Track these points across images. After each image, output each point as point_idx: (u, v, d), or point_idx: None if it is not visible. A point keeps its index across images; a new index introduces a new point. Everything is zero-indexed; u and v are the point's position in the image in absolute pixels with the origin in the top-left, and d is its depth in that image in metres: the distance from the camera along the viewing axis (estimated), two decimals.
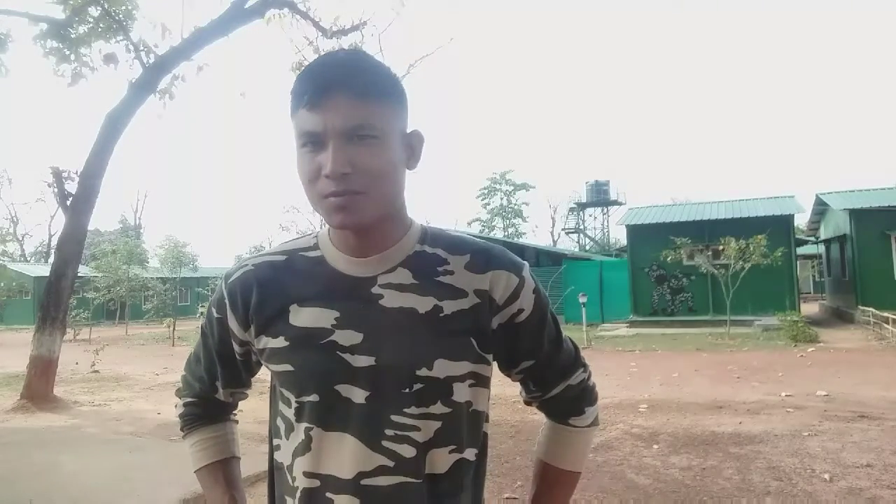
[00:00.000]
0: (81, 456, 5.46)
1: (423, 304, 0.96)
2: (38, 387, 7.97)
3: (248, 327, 1.02)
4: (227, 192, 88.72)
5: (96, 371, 11.53)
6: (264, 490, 1.16)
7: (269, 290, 1.01)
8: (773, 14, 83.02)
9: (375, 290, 0.97)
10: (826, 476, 4.44)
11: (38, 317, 8.29)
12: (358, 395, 0.94)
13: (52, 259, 11.10)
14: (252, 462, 1.08)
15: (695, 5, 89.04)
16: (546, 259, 23.45)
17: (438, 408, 0.95)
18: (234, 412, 1.22)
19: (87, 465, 5.12)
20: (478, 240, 1.06)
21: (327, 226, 1.04)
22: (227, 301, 1.03)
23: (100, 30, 9.25)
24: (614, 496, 4.21)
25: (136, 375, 11.20)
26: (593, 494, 4.22)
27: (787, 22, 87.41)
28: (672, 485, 4.41)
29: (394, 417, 0.94)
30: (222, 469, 1.15)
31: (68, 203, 8.37)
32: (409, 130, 0.98)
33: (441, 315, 0.96)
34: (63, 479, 4.73)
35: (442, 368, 0.95)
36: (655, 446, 5.42)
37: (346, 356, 0.94)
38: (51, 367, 8.14)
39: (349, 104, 0.89)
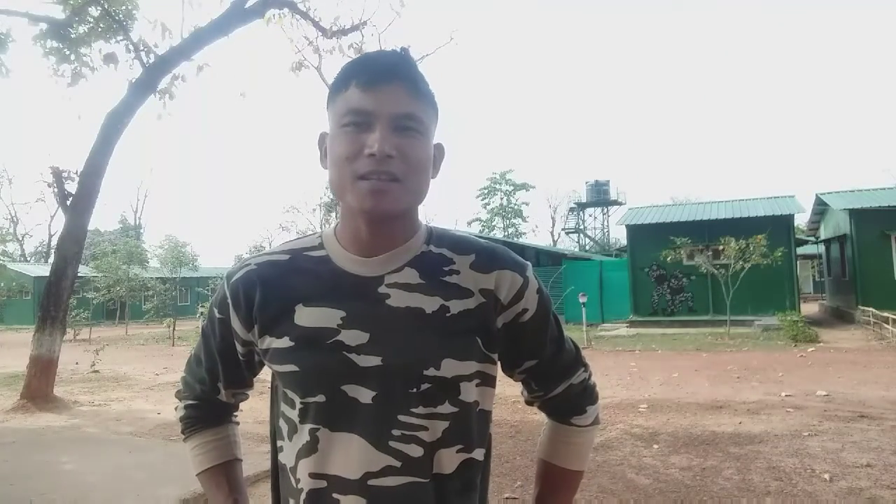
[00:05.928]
0: (81, 456, 5.46)
1: (430, 303, 0.96)
2: (38, 387, 7.97)
3: (252, 327, 1.01)
4: (227, 191, 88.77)
5: (96, 371, 11.52)
6: (264, 491, 1.16)
7: (272, 289, 1.00)
8: (773, 14, 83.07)
9: (382, 289, 0.96)
10: (826, 476, 4.44)
11: (38, 317, 8.29)
12: (365, 396, 0.93)
13: (52, 259, 11.10)
14: (251, 462, 1.08)
15: (695, 5, 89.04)
16: (546, 259, 23.43)
17: (446, 407, 0.95)
18: (236, 413, 1.21)
19: (86, 465, 5.12)
20: (482, 240, 1.06)
21: (332, 225, 1.04)
22: (229, 301, 1.02)
23: (100, 30, 9.25)
24: (614, 496, 4.20)
25: (136, 375, 11.20)
26: (593, 494, 4.21)
27: (787, 22, 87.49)
28: (672, 485, 4.40)
29: (401, 417, 0.93)
30: (225, 472, 1.14)
31: (68, 203, 8.36)
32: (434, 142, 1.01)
33: (447, 315, 0.96)
34: (63, 479, 4.73)
35: (449, 368, 0.95)
36: (655, 446, 5.41)
37: (353, 356, 0.94)
38: (51, 367, 8.14)
39: (403, 93, 0.93)
